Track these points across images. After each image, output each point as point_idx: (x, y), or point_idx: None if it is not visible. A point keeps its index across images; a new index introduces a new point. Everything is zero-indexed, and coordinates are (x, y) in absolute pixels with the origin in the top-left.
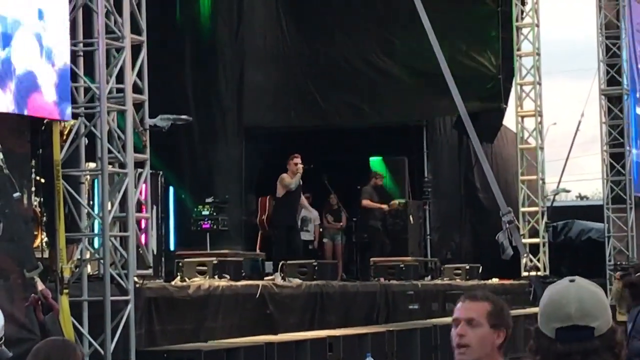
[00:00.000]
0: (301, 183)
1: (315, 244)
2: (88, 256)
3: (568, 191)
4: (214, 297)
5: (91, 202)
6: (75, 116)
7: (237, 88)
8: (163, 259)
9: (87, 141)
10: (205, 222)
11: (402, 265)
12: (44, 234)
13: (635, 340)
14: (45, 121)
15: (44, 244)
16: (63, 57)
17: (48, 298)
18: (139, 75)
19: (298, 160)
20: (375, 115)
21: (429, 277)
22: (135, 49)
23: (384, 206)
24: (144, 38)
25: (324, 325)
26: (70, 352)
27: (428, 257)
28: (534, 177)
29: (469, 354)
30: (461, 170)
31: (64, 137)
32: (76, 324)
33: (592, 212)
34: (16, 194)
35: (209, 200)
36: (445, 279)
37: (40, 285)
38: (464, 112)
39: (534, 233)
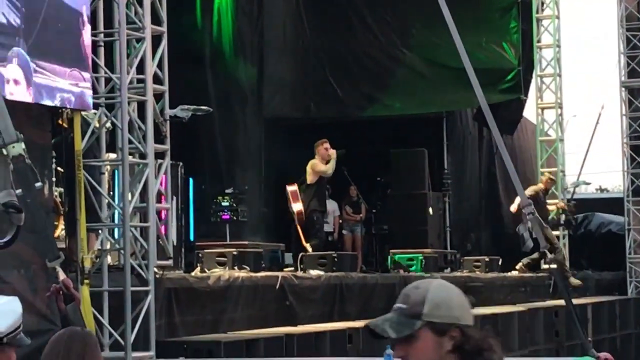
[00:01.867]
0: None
1: (334, 236)
2: (108, 246)
3: (588, 183)
4: (234, 288)
5: (111, 193)
6: (95, 106)
7: (256, 79)
8: (183, 249)
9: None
10: (225, 213)
11: (421, 257)
12: (65, 224)
13: None
14: (66, 111)
15: (64, 234)
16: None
17: (70, 288)
18: (159, 65)
19: (328, 145)
20: (394, 107)
21: (449, 269)
22: (156, 40)
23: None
24: (164, 29)
25: (343, 317)
26: (90, 343)
27: (447, 249)
28: (554, 169)
29: None
30: (481, 162)
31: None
32: (97, 314)
33: (613, 204)
34: (38, 184)
35: (229, 191)
36: (464, 271)
37: (61, 275)
38: (485, 103)
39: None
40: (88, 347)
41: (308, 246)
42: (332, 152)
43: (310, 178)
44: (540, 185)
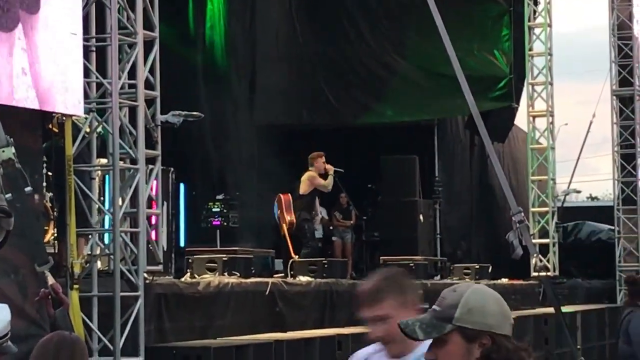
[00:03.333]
0: None
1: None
2: (98, 252)
3: (579, 192)
4: (224, 294)
5: (102, 198)
6: (87, 111)
7: (249, 86)
8: (173, 255)
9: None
10: (216, 219)
11: (411, 264)
12: (55, 229)
13: (622, 343)
14: (57, 115)
15: (53, 239)
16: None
17: (59, 292)
18: (151, 71)
19: (324, 159)
20: (387, 114)
21: (439, 277)
22: (148, 45)
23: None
24: (156, 34)
25: (333, 324)
26: (78, 348)
27: (438, 256)
28: (545, 177)
29: None
30: (472, 170)
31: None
32: (86, 319)
33: (603, 212)
34: (28, 189)
35: (220, 197)
36: (454, 278)
37: (50, 280)
38: (476, 111)
39: (544, 233)
40: (76, 353)
41: (296, 258)
42: (330, 168)
43: (304, 188)
44: None
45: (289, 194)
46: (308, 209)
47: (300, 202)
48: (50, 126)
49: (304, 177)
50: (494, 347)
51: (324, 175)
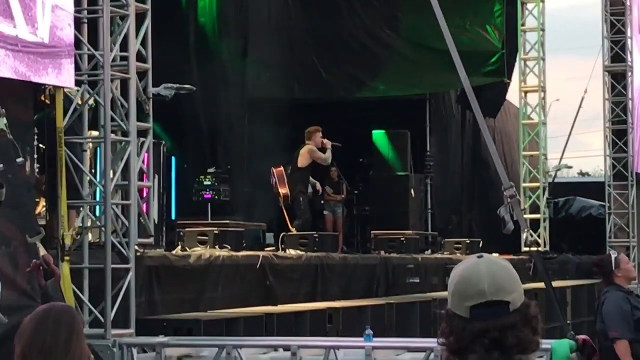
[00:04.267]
0: None
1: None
2: (89, 224)
3: (570, 167)
4: (215, 267)
5: (93, 170)
6: (78, 83)
7: (240, 60)
8: (164, 228)
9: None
10: (207, 193)
11: (402, 239)
12: (46, 201)
13: (600, 324)
14: (48, 87)
15: (44, 211)
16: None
17: (50, 263)
18: (143, 43)
19: (320, 133)
20: (378, 88)
21: (429, 251)
22: (140, 18)
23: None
24: (148, 6)
25: (323, 297)
26: (77, 319)
27: (429, 230)
28: (536, 152)
29: None
30: (464, 145)
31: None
32: (77, 291)
33: (594, 188)
34: (19, 159)
35: (211, 170)
36: (445, 253)
37: (42, 251)
38: (468, 86)
39: (535, 209)
40: (75, 326)
41: (293, 229)
42: (327, 142)
43: (302, 162)
44: None
45: (282, 167)
46: (304, 182)
47: (298, 174)
48: (42, 98)
49: (303, 151)
50: (444, 324)
51: (322, 150)
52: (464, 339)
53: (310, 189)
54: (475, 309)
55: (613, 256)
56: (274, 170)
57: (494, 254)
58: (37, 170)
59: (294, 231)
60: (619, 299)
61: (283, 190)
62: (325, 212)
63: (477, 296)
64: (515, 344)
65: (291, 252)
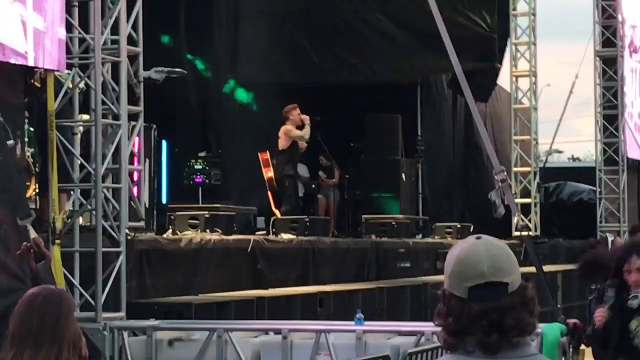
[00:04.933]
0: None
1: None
2: (80, 207)
3: (561, 152)
4: (205, 250)
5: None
6: (69, 67)
7: (231, 44)
8: (155, 212)
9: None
10: (198, 176)
11: (393, 223)
12: (36, 184)
13: (596, 302)
14: (39, 71)
15: (35, 194)
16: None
17: (40, 246)
18: (134, 27)
19: (298, 110)
20: (369, 73)
21: (420, 235)
22: (131, 1)
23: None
24: None
25: (315, 281)
26: (67, 300)
27: (420, 215)
28: (527, 137)
29: None
30: (455, 129)
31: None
32: (67, 274)
33: (585, 173)
34: (10, 142)
35: (202, 154)
36: (436, 237)
37: (33, 234)
38: (460, 71)
39: (526, 193)
40: (64, 308)
41: (277, 212)
42: (306, 118)
43: (283, 143)
44: None
45: (267, 152)
46: (291, 164)
47: (282, 157)
48: (32, 81)
49: (280, 132)
50: (441, 304)
51: (302, 127)
52: (463, 321)
53: (306, 173)
54: (474, 289)
55: (610, 238)
56: (260, 156)
57: None
58: (27, 154)
59: (278, 215)
60: None
61: (268, 174)
62: (319, 196)
63: (477, 277)
64: (514, 326)
65: (282, 236)
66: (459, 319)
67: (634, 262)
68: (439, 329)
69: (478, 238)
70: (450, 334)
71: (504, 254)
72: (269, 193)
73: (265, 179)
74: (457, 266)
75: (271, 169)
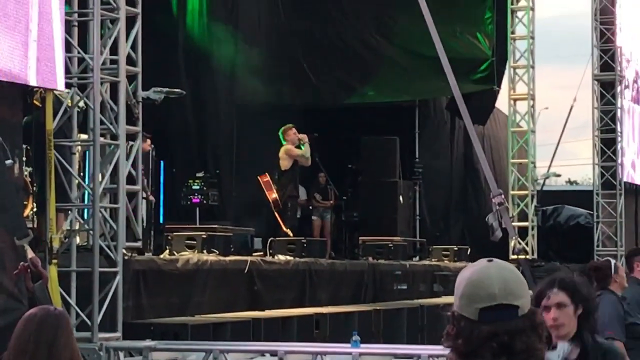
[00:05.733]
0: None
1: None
2: (77, 227)
3: (558, 175)
4: (202, 271)
5: (82, 174)
6: (68, 86)
7: (230, 64)
8: (152, 232)
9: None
10: (195, 197)
11: (390, 245)
12: (34, 203)
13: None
14: (40, 90)
15: (33, 214)
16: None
17: (38, 266)
18: (133, 47)
19: (295, 130)
20: (367, 94)
21: (417, 258)
22: (130, 21)
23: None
24: (139, 10)
25: (311, 303)
26: (64, 321)
27: (417, 237)
28: (525, 160)
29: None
30: (453, 151)
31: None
32: (64, 294)
33: (582, 197)
34: (8, 161)
35: (200, 174)
36: (433, 259)
37: (30, 253)
38: (458, 93)
39: (523, 216)
40: (60, 329)
41: (289, 231)
42: (303, 136)
43: (284, 164)
44: None
45: (266, 174)
46: (294, 185)
47: (284, 178)
48: (33, 100)
49: (281, 153)
50: (450, 326)
51: (299, 146)
52: (473, 342)
53: (303, 195)
54: (485, 311)
55: (613, 262)
56: (260, 179)
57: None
58: (25, 172)
59: (289, 233)
60: (615, 302)
61: (272, 196)
62: (313, 218)
63: (488, 299)
64: (523, 350)
65: (279, 257)
66: (468, 340)
67: (554, 296)
68: (446, 351)
69: (489, 261)
70: (460, 355)
71: (515, 278)
72: (276, 214)
73: (270, 200)
74: (468, 288)
75: (274, 190)
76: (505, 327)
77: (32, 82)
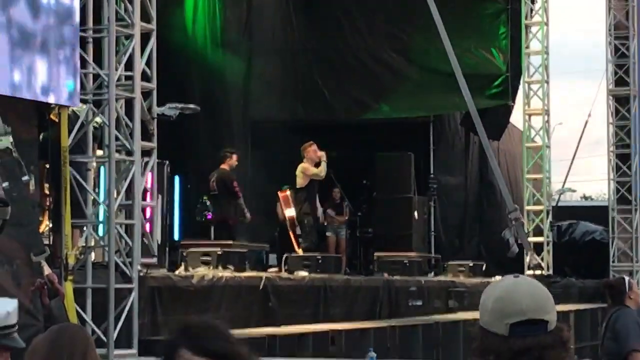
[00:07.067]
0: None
1: None
2: (93, 243)
3: (573, 191)
4: (217, 287)
5: (97, 190)
6: (83, 102)
7: (244, 80)
8: (167, 248)
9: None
10: (210, 213)
11: (405, 261)
12: (49, 220)
13: (610, 341)
14: (57, 106)
15: (48, 230)
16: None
17: (54, 283)
18: (148, 63)
19: (316, 147)
20: (382, 110)
21: (432, 274)
22: (145, 37)
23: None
24: (153, 26)
25: (326, 319)
26: (90, 340)
27: (432, 253)
28: (540, 175)
29: None
30: (467, 167)
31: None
32: (80, 310)
33: (597, 212)
34: (24, 178)
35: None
36: (448, 275)
37: (46, 270)
38: (473, 108)
39: (538, 232)
40: (90, 345)
41: (300, 251)
42: (322, 154)
43: (300, 182)
44: None
45: (287, 191)
46: (309, 202)
47: (300, 195)
48: (51, 116)
49: (298, 171)
50: (478, 342)
51: (319, 164)
52: (505, 357)
53: (320, 211)
54: (515, 326)
55: (627, 279)
56: (280, 195)
57: (497, 277)
58: (41, 189)
59: (300, 252)
60: (634, 315)
61: (289, 213)
62: (328, 234)
63: (517, 314)
64: None
65: (295, 273)
66: (499, 355)
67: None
68: None
69: (516, 277)
70: None
71: (543, 293)
72: (290, 232)
73: (287, 217)
74: (497, 303)
75: (292, 207)
76: (536, 342)
77: (47, 99)
